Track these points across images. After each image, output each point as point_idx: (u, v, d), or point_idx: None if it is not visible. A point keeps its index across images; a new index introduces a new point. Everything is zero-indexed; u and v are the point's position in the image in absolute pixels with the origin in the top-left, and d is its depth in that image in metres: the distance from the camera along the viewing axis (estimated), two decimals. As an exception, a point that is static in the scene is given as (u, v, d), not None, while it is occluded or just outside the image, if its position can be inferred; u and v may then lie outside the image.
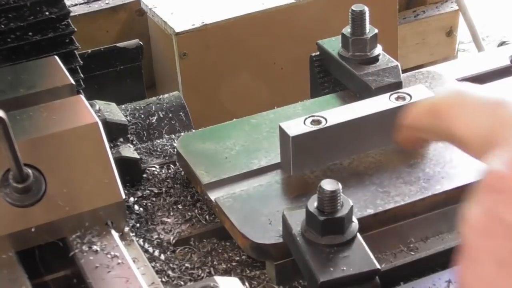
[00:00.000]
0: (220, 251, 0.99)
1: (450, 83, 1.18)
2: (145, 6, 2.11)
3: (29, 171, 0.88)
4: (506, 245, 0.62)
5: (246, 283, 0.94)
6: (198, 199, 1.06)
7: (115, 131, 1.09)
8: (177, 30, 1.98)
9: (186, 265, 0.97)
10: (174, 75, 2.05)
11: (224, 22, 2.02)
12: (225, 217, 0.96)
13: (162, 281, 0.93)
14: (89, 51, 1.47)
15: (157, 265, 0.97)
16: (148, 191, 1.08)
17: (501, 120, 0.69)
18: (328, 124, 1.00)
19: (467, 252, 0.67)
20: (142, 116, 1.21)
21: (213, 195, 1.00)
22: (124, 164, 1.05)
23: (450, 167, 1.00)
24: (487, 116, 0.71)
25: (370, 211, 0.94)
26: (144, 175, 1.10)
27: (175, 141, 1.16)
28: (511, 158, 0.65)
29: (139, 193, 1.08)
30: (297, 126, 1.00)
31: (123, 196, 0.92)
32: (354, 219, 0.87)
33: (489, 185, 0.66)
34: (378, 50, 1.16)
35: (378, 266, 0.83)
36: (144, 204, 1.06)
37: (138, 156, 1.09)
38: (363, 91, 1.12)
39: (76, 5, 2.07)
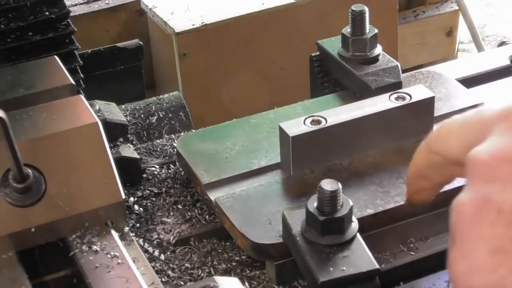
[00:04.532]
0: (220, 251, 0.99)
1: (449, 83, 1.18)
2: (145, 6, 2.11)
3: (29, 171, 0.88)
4: (499, 232, 0.62)
5: (246, 283, 0.94)
6: (198, 199, 1.06)
7: (115, 131, 1.09)
8: (177, 30, 1.98)
9: (186, 265, 0.97)
10: (174, 75, 2.06)
11: (224, 22, 2.02)
12: (225, 217, 0.96)
13: (162, 281, 0.93)
14: (89, 51, 1.47)
15: (157, 265, 0.97)
16: (148, 191, 1.08)
17: (485, 123, 0.70)
18: (328, 124, 1.00)
19: (459, 240, 0.66)
20: (142, 116, 1.21)
21: (213, 195, 1.00)
22: (124, 164, 1.05)
23: (450, 167, 1.00)
24: (473, 128, 0.72)
25: (370, 211, 0.94)
26: (144, 175, 1.10)
27: (175, 141, 1.16)
28: (497, 146, 0.65)
29: (139, 193, 1.08)
30: (297, 126, 1.00)
31: (123, 196, 0.92)
32: (354, 219, 0.87)
33: (479, 175, 0.65)
34: (378, 50, 1.16)
35: (378, 266, 0.83)
36: (144, 204, 1.06)
37: (138, 156, 1.09)
38: (363, 91, 1.12)
39: (76, 5, 2.07)
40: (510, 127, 0.66)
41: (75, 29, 1.09)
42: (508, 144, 0.65)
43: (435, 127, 0.79)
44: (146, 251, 0.98)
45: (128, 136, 1.12)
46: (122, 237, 0.93)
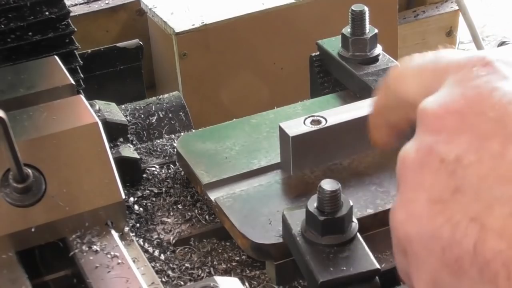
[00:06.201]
0: (220, 251, 0.99)
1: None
2: (145, 6, 2.11)
3: (29, 171, 0.88)
4: (440, 181, 0.62)
5: (246, 283, 0.94)
6: (198, 199, 1.06)
7: (115, 131, 1.09)
8: (177, 30, 1.98)
9: (186, 265, 0.97)
10: (174, 75, 2.06)
11: (224, 22, 2.02)
12: (225, 217, 0.96)
13: (162, 281, 0.93)
14: (89, 51, 1.47)
15: (157, 265, 0.97)
16: (148, 191, 1.08)
17: (440, 71, 0.69)
18: (328, 124, 1.00)
19: (401, 189, 0.67)
20: (142, 116, 1.21)
21: (213, 195, 1.00)
22: (124, 164, 1.05)
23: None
24: (428, 75, 0.72)
25: (370, 211, 0.94)
26: (144, 175, 1.10)
27: (175, 141, 1.16)
28: (446, 98, 0.65)
29: (139, 193, 1.08)
30: (297, 126, 1.00)
31: (123, 196, 0.92)
32: (354, 219, 0.87)
33: (426, 125, 0.66)
34: (378, 50, 1.16)
35: (378, 266, 0.83)
36: (144, 204, 1.06)
37: (138, 156, 1.09)
38: (363, 91, 1.12)
39: (76, 5, 2.07)
40: (460, 79, 0.66)
41: (75, 29, 1.09)
42: (457, 96, 0.65)
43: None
44: (146, 251, 0.98)
45: (128, 136, 1.12)
46: (122, 237, 0.93)
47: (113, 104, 1.14)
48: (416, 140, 0.67)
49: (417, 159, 0.65)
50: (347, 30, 1.15)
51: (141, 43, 1.54)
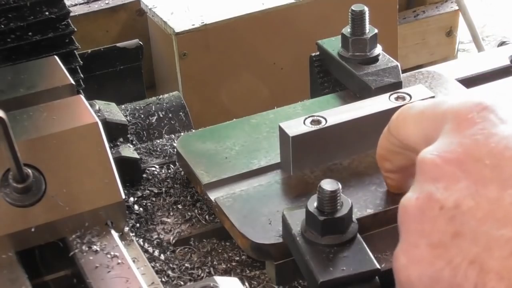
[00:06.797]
0: (220, 251, 0.99)
1: (449, 83, 1.18)
2: (145, 6, 2.11)
3: (29, 171, 0.88)
4: (440, 227, 0.65)
5: (246, 283, 0.94)
6: (198, 199, 1.06)
7: (115, 131, 1.09)
8: (177, 30, 1.98)
9: (186, 265, 0.97)
10: (174, 75, 2.06)
11: (224, 22, 2.02)
12: (225, 217, 0.96)
13: (162, 281, 0.93)
14: (89, 51, 1.47)
15: (157, 265, 0.97)
16: (148, 191, 1.08)
17: (439, 117, 0.72)
18: (328, 124, 1.00)
19: (403, 236, 0.68)
20: (142, 116, 1.21)
21: (213, 195, 1.00)
22: (124, 164, 1.05)
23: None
24: (428, 120, 0.74)
25: (370, 211, 0.94)
26: (144, 175, 1.10)
27: (175, 141, 1.16)
28: (444, 148, 0.68)
29: (139, 193, 1.08)
30: (297, 126, 1.00)
31: (123, 196, 0.92)
32: (354, 219, 0.87)
33: (425, 174, 0.69)
34: (378, 50, 1.16)
35: (378, 266, 0.83)
36: (144, 204, 1.06)
37: (138, 156, 1.09)
38: (363, 91, 1.12)
39: (76, 5, 2.07)
40: (457, 128, 0.68)
41: (75, 29, 1.09)
42: (454, 145, 0.67)
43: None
44: (146, 251, 0.98)
45: (128, 136, 1.12)
46: (122, 237, 0.93)
47: (113, 104, 1.14)
48: (416, 188, 0.69)
49: (418, 206, 0.67)
50: (347, 30, 1.15)
51: (141, 43, 1.54)
